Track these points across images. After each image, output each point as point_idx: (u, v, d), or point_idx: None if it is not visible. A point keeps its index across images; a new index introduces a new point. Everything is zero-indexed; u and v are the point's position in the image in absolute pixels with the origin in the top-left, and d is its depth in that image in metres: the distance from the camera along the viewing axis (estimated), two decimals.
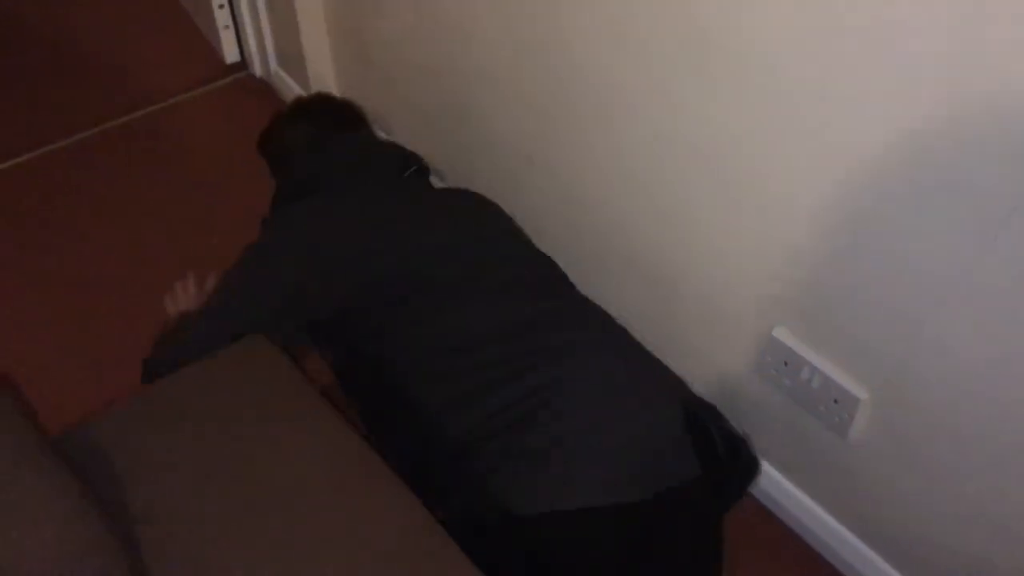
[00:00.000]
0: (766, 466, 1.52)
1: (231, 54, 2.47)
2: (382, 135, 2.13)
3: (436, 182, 1.99)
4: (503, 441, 1.16)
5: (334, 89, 2.27)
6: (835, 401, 1.30)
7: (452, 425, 1.18)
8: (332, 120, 1.72)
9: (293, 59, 2.26)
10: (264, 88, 2.44)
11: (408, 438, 1.20)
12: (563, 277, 1.53)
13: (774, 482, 1.51)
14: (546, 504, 1.11)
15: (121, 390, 1.57)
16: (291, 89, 2.33)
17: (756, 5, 1.09)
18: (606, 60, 1.36)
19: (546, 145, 1.61)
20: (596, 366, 1.27)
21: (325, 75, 2.24)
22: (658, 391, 1.30)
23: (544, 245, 1.75)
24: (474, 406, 1.19)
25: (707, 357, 1.51)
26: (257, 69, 2.44)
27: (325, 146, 1.63)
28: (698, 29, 1.18)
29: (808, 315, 1.28)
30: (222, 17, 2.38)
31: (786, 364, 1.34)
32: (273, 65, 2.38)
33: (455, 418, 1.19)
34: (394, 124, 2.11)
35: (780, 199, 1.21)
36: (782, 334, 1.33)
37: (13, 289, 1.90)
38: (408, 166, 1.65)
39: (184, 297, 1.57)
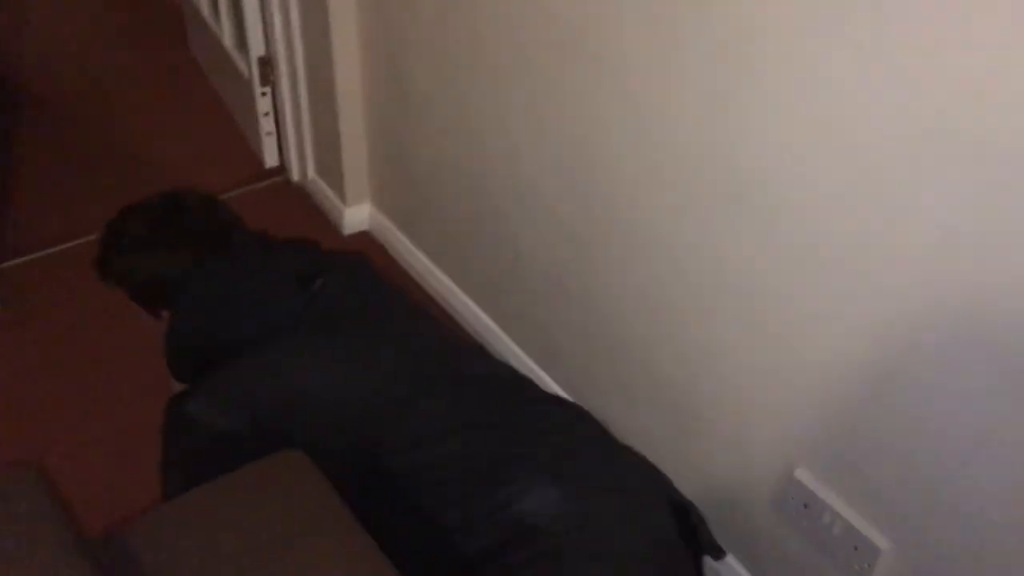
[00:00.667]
0: None
1: (271, 158, 2.56)
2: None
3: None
4: (503, 561, 1.13)
5: (368, 198, 2.35)
6: (855, 548, 1.29)
7: (452, 548, 1.14)
8: (212, 237, 1.45)
9: (331, 168, 2.35)
10: (300, 193, 2.52)
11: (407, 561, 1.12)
12: (522, 379, 1.46)
13: None
14: None
15: (139, 486, 1.58)
16: (326, 195, 2.40)
17: (791, 152, 1.14)
18: (644, 196, 1.42)
19: (577, 271, 1.65)
20: (585, 473, 1.26)
21: (361, 186, 2.32)
22: (651, 494, 1.30)
23: (564, 365, 1.78)
24: (473, 529, 1.14)
25: (726, 490, 1.51)
26: (295, 175, 2.52)
27: (213, 279, 1.37)
28: (736, 173, 1.24)
29: (831, 459, 1.28)
30: (266, 124, 2.48)
31: (806, 507, 1.34)
32: (311, 172, 2.46)
33: (453, 542, 1.14)
34: (425, 240, 2.17)
35: (809, 344, 1.24)
36: (804, 476, 1.33)
37: (42, 377, 1.92)
38: (314, 278, 1.41)
39: None
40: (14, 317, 2.07)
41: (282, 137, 2.50)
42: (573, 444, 1.31)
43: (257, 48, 2.34)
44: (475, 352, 1.49)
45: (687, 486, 1.60)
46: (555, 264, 1.71)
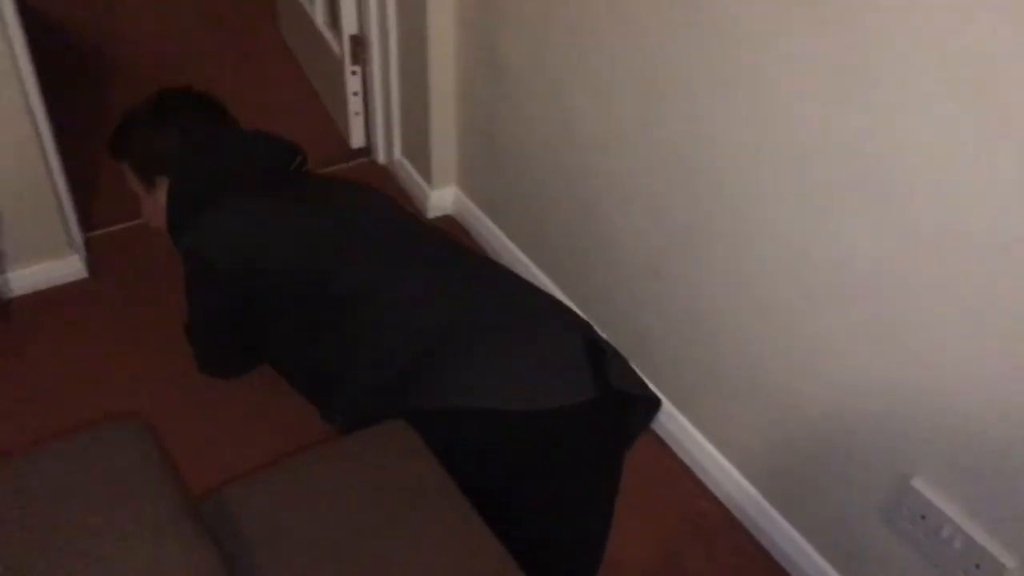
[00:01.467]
0: None
1: (358, 139, 2.54)
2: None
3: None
4: (418, 352, 1.30)
5: (454, 180, 2.31)
6: (976, 566, 1.20)
7: (378, 344, 1.35)
8: (202, 118, 1.71)
9: (418, 150, 2.31)
10: (385, 174, 2.49)
11: (337, 354, 1.39)
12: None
13: None
14: (445, 402, 1.23)
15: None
16: (411, 177, 2.37)
17: (929, 136, 1.06)
18: (758, 183, 1.34)
19: (673, 259, 1.58)
20: (508, 299, 1.42)
21: (448, 168, 2.28)
22: (564, 321, 1.41)
23: (655, 357, 1.71)
24: (398, 331, 1.34)
25: (830, 499, 1.43)
26: (381, 156, 2.50)
27: (206, 149, 1.64)
28: (864, 159, 1.16)
29: (954, 468, 1.20)
30: (355, 104, 2.46)
31: (923, 518, 1.26)
32: (397, 154, 2.43)
33: (382, 340, 1.35)
34: (512, 225, 2.12)
35: (935, 346, 1.15)
36: (922, 485, 1.25)
37: (128, 345, 1.93)
38: (292, 159, 1.69)
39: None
40: (101, 285, 2.08)
41: (370, 117, 2.47)
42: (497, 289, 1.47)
43: (350, 26, 2.32)
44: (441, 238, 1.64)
45: (783, 491, 1.53)
46: (652, 253, 1.64)
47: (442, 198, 2.32)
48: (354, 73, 2.41)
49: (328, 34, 2.53)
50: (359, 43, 2.35)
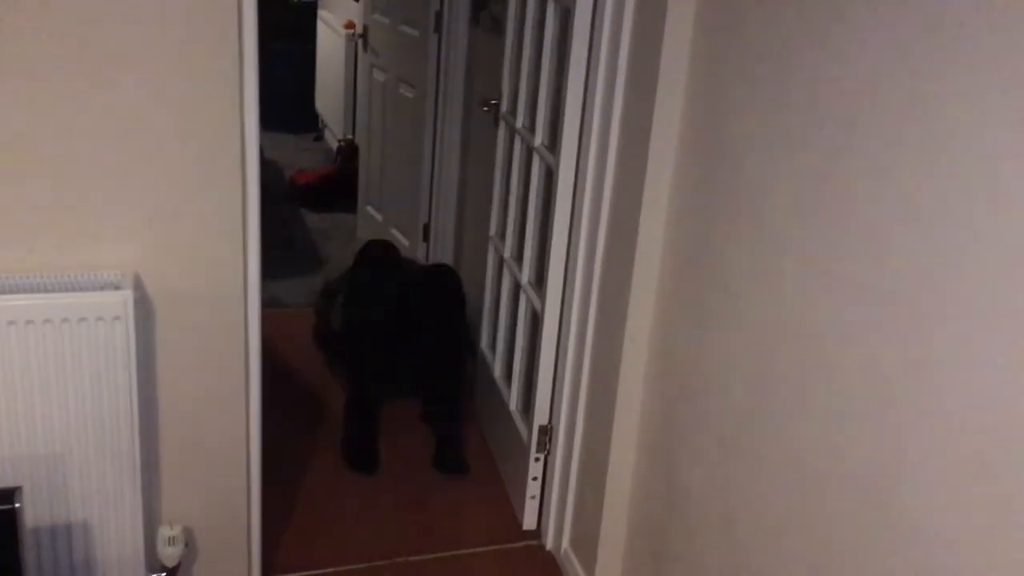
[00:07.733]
0: None
1: (530, 522, 2.60)
2: None
3: None
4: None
5: None
6: None
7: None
8: (383, 261, 3.30)
9: (585, 545, 2.34)
10: (549, 562, 2.51)
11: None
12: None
13: None
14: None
15: None
16: (575, 572, 2.37)
17: None
18: None
19: None
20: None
21: (612, 571, 2.27)
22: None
23: None
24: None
25: None
26: (549, 543, 2.54)
27: (380, 271, 3.24)
28: None
29: None
30: (532, 488, 2.56)
31: None
32: (564, 544, 2.46)
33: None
34: None
35: None
36: None
37: None
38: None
39: None
40: None
41: (544, 503, 2.55)
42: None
43: (541, 416, 2.49)
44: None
45: None
46: None
47: None
48: (537, 460, 2.53)
49: (519, 419, 2.71)
50: (546, 433, 2.49)
